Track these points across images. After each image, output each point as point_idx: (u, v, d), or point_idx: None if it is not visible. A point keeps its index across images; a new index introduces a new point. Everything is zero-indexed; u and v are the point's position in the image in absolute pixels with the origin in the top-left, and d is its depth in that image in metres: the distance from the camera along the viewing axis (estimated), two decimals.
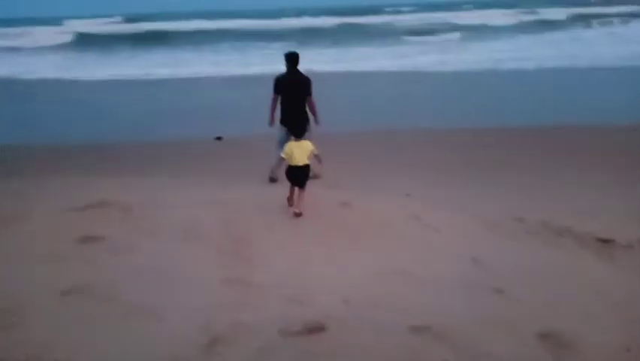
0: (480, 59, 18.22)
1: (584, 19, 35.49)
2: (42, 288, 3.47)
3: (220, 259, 4.11)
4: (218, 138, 8.89)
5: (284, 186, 5.68)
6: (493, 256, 4.16)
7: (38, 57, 23.24)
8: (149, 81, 16.21)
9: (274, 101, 6.34)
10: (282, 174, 5.54)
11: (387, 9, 59.02)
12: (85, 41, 30.45)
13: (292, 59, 6.31)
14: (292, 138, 5.35)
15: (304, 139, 5.24)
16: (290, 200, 5.14)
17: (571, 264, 4.07)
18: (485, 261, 4.04)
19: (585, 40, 24.13)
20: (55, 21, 45.86)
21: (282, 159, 5.22)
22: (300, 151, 5.09)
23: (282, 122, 6.32)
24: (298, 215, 4.95)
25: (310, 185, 5.40)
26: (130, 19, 52.67)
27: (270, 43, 27.40)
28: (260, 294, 3.54)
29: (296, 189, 5.06)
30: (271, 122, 6.43)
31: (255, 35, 31.42)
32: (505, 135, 8.68)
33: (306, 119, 6.16)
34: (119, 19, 52.19)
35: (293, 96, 6.24)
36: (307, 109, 6.34)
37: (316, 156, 5.20)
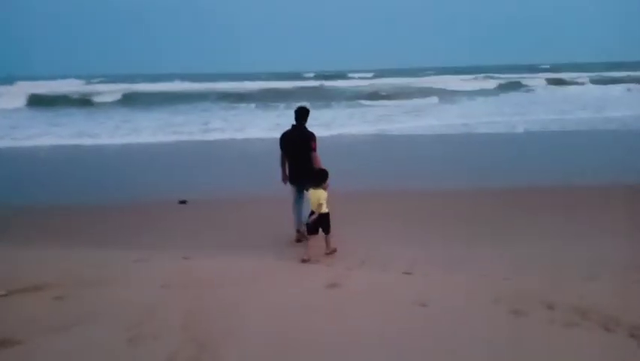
0: (455, 122, 17.87)
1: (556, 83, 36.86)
2: None
3: None
4: (183, 202, 8.05)
5: (252, 259, 5.26)
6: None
7: None
8: (102, 146, 14.81)
9: (282, 158, 6.14)
10: None
11: (351, 74, 60.15)
12: (39, 104, 28.74)
13: (297, 113, 6.05)
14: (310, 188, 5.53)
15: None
16: (303, 259, 5.33)
17: None
18: None
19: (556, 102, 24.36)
20: (6, 81, 43.96)
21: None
22: (312, 199, 5.43)
23: (291, 180, 6.12)
24: (305, 261, 5.29)
25: (299, 260, 5.25)
26: (90, 81, 51.45)
27: (233, 103, 27.04)
28: None
29: (322, 236, 5.49)
30: (284, 178, 6.24)
31: (218, 97, 30.77)
32: (504, 197, 7.95)
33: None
34: (76, 81, 50.78)
35: (296, 153, 5.98)
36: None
37: (320, 206, 5.38)
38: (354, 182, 8.66)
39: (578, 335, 3.54)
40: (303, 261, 5.29)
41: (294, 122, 6.06)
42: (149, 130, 17.19)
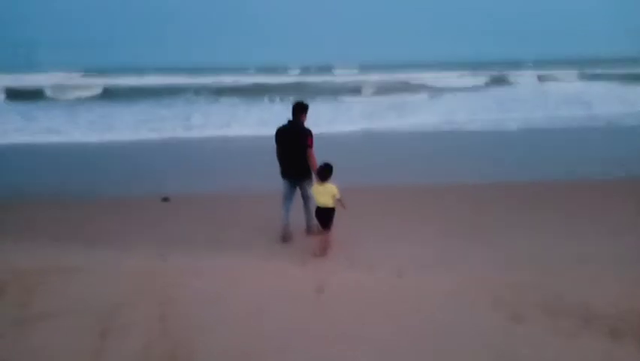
0: (447, 119, 17.59)
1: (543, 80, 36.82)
2: None
3: None
4: (165, 199, 7.85)
5: (235, 260, 4.93)
6: None
7: None
8: (74, 144, 14.11)
9: (278, 152, 5.95)
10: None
11: (336, 70, 59.59)
12: (16, 98, 27.84)
13: (294, 108, 5.87)
14: (317, 181, 5.47)
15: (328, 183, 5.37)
16: (316, 248, 5.44)
17: None
18: None
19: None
20: None
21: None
22: (322, 194, 5.34)
23: (283, 175, 5.95)
24: (316, 255, 5.37)
25: (285, 261, 4.96)
26: (71, 74, 50.25)
27: (216, 98, 26.93)
28: None
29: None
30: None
31: (202, 92, 30.29)
32: (499, 195, 7.75)
33: (307, 170, 5.78)
34: (57, 74, 49.48)
35: (290, 148, 5.79)
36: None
37: (339, 201, 5.35)
38: (345, 179, 8.39)
39: (583, 343, 3.33)
40: (316, 255, 5.40)
41: (291, 117, 5.85)
42: (127, 127, 16.60)
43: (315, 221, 5.78)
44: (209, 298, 3.94)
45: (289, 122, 5.84)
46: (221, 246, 5.73)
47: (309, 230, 6.08)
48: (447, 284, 4.34)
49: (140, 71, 52.75)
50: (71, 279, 4.28)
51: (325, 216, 5.39)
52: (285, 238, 5.94)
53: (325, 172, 5.39)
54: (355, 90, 30.45)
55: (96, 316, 3.78)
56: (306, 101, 6.15)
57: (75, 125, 17.07)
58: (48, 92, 29.68)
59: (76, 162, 11.50)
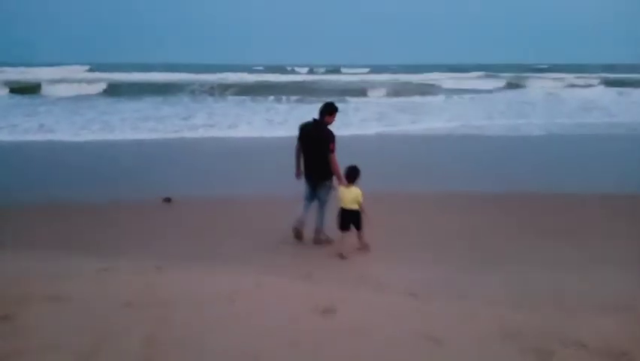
0: (468, 123, 16.99)
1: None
2: None
3: None
4: (167, 200, 7.60)
5: (235, 272, 4.63)
6: None
7: None
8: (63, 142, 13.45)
9: (297, 150, 5.82)
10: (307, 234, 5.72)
11: (345, 70, 58.81)
12: (22, 92, 27.45)
13: (321, 108, 5.74)
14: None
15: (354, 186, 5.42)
16: (340, 253, 5.39)
17: None
18: None
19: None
20: None
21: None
22: (347, 196, 5.38)
23: (304, 175, 5.84)
24: (343, 257, 5.34)
25: (291, 279, 4.57)
26: (79, 69, 49.98)
27: (221, 96, 26.95)
28: None
29: (351, 232, 5.45)
30: (297, 174, 5.88)
31: (208, 89, 29.86)
32: (515, 213, 7.14)
33: (327, 173, 5.62)
34: (64, 68, 49.16)
35: (312, 149, 5.68)
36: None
37: (359, 205, 5.38)
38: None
39: None
40: (341, 256, 5.36)
41: (317, 117, 5.72)
42: (125, 124, 16.14)
43: (324, 228, 5.73)
44: (202, 327, 3.52)
45: (314, 120, 5.71)
46: (222, 257, 5.39)
47: (316, 236, 5.83)
48: (455, 309, 3.94)
49: (146, 67, 52.46)
50: (51, 303, 3.86)
51: (348, 218, 5.40)
52: (298, 233, 5.76)
53: (352, 174, 5.38)
54: (366, 91, 29.65)
55: (94, 316, 3.56)
56: (332, 102, 5.88)
57: (73, 123, 16.41)
58: (52, 87, 29.25)
59: (75, 162, 10.98)
